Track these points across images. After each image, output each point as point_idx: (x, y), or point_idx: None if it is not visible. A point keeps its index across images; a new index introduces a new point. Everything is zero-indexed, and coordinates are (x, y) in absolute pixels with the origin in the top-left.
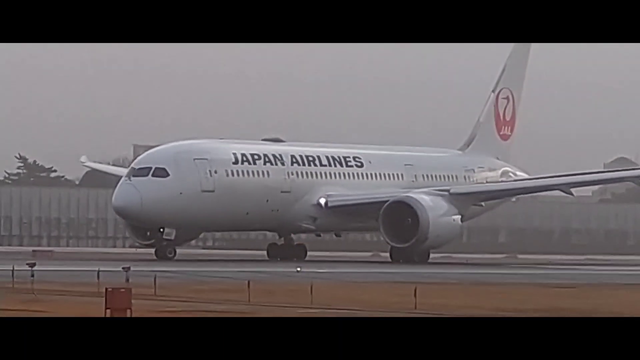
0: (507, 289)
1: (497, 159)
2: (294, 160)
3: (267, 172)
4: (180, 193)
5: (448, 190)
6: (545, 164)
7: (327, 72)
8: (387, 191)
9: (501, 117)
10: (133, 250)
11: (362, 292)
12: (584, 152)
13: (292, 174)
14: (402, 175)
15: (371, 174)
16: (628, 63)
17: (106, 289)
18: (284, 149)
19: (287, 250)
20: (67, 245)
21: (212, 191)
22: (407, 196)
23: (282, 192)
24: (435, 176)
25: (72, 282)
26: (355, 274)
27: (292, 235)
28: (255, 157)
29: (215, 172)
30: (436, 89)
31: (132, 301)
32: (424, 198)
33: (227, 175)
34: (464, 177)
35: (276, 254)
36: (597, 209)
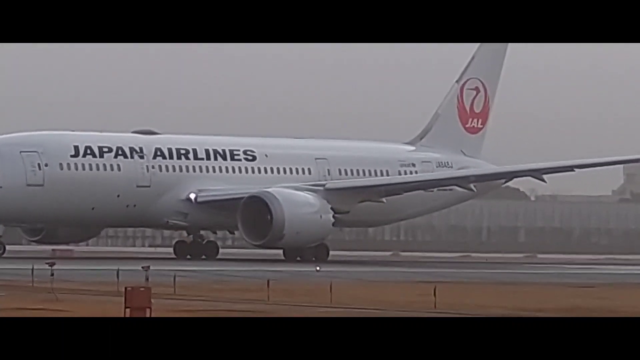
0: (526, 288)
1: (463, 153)
2: (159, 153)
3: (118, 166)
4: (0, 187)
5: (324, 185)
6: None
7: (292, 68)
8: (253, 187)
9: (467, 109)
10: (152, 249)
11: (381, 291)
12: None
13: (154, 167)
14: (309, 170)
15: (264, 169)
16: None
17: (125, 288)
18: (149, 141)
19: (196, 248)
20: (87, 245)
21: (41, 185)
22: (263, 191)
23: (138, 186)
24: (358, 171)
25: (91, 282)
26: (373, 273)
27: (202, 232)
28: (104, 149)
29: (46, 165)
30: (399, 82)
31: (152, 300)
32: (284, 193)
33: (62, 168)
34: (399, 172)
35: (184, 251)
36: (616, 208)
